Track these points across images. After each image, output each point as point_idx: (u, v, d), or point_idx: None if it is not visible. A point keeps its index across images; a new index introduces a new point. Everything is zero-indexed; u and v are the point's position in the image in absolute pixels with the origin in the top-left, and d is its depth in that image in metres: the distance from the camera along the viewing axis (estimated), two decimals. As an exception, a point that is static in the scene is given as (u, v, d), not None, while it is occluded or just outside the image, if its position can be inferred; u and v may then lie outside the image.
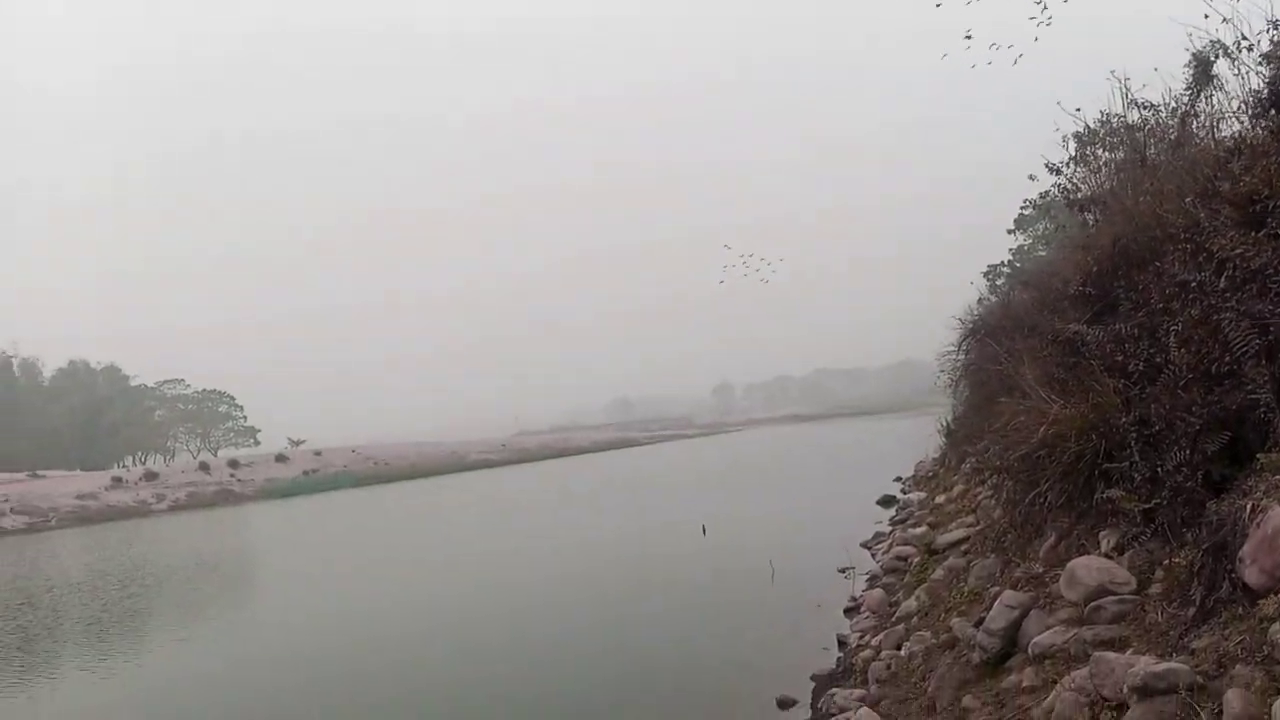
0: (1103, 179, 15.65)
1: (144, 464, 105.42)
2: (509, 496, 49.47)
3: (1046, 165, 17.99)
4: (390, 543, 33.16)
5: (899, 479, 30.42)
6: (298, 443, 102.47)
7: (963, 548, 12.07)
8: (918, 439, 31.95)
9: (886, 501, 26.05)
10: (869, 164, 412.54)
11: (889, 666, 9.54)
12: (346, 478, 78.04)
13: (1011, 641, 7.32)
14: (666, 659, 12.98)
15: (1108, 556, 7.20)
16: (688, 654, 13.10)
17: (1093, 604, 6.67)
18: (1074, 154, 17.61)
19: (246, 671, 15.20)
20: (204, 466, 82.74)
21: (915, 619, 10.72)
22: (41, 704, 14.24)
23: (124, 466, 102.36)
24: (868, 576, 16.03)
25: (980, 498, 13.68)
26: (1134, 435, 7.30)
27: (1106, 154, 16.30)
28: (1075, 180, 17.17)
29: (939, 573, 11.61)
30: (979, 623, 7.90)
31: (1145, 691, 5.00)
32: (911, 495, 24.13)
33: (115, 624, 20.71)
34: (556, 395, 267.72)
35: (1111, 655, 5.64)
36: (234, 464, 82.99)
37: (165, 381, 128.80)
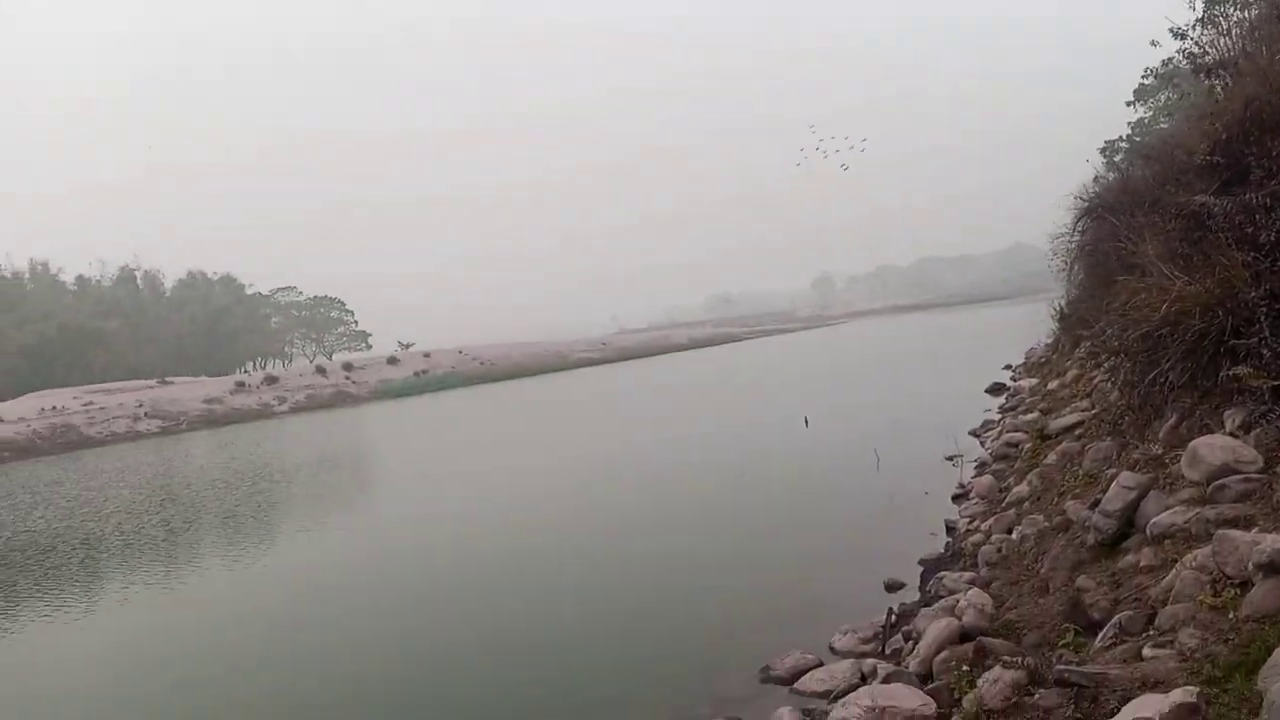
0: (1234, 41, 14.55)
1: (264, 369, 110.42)
2: (612, 395, 50.27)
3: (1170, 30, 16.85)
4: (498, 441, 34.13)
5: (1008, 367, 29.75)
6: (407, 345, 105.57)
7: (1077, 432, 11.82)
8: (1029, 326, 31.11)
9: (996, 389, 25.59)
10: (976, 41, 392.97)
11: (999, 550, 9.51)
12: (455, 378, 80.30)
13: (1128, 522, 7.19)
14: (772, 545, 13.19)
15: (1233, 435, 6.95)
16: (793, 541, 13.28)
17: (1216, 483, 6.48)
18: (1201, 15, 16.43)
19: (364, 558, 16.08)
20: (320, 370, 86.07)
21: (1026, 503, 10.61)
22: (187, 588, 15.36)
23: (245, 372, 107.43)
24: (976, 464, 15.89)
25: (1096, 381, 13.30)
26: (1264, 310, 6.95)
27: (1238, 13, 15.15)
28: (1202, 44, 16.02)
29: (1051, 457, 11.42)
30: (1094, 505, 7.77)
31: (1272, 568, 4.88)
32: (1022, 382, 23.62)
33: (248, 517, 22.04)
34: (656, 293, 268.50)
35: (1236, 533, 5.50)
36: (348, 367, 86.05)
37: (279, 289, 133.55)
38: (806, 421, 24.27)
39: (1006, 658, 5.89)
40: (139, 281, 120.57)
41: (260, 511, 22.78)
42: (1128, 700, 4.67)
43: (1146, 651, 5.25)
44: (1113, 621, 5.93)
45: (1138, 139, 35.35)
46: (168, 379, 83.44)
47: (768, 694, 8.17)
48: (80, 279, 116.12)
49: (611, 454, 25.48)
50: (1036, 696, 5.26)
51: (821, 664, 8.40)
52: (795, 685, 8.15)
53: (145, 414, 61.70)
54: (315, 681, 10.12)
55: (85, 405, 64.50)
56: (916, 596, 9.81)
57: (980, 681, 5.74)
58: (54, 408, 63.57)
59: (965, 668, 6.30)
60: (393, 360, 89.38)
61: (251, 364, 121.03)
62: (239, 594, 14.68)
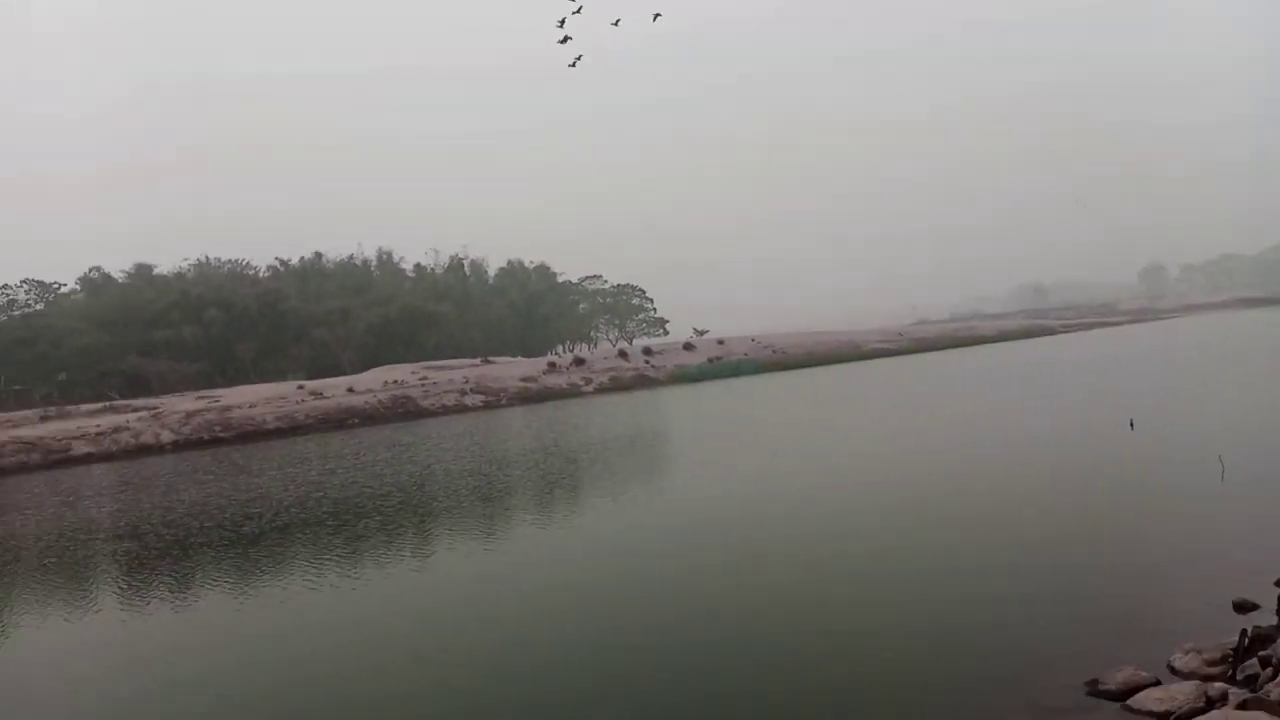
0: None
1: (571, 351, 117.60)
2: (908, 387, 48.88)
3: None
4: (812, 426, 34.22)
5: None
6: (702, 332, 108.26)
7: None
8: None
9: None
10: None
11: (1380, 577, 8.43)
12: (748, 365, 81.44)
13: None
14: (1095, 553, 12.37)
15: None
16: (1121, 550, 12.40)
17: None
18: None
19: (671, 530, 16.79)
20: (622, 354, 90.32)
21: None
22: (497, 550, 16.80)
23: (555, 353, 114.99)
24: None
25: None
26: None
27: None
28: None
29: None
30: None
31: None
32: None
33: (559, 486, 23.65)
34: (958, 282, 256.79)
35: None
36: (648, 351, 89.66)
37: (586, 278, 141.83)
38: (1132, 424, 22.54)
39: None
40: (467, 269, 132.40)
41: (569, 481, 24.34)
42: None
43: None
44: None
45: None
46: (489, 358, 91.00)
47: (1095, 708, 7.79)
48: (418, 266, 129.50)
49: (915, 446, 24.88)
50: None
51: (1159, 683, 7.88)
52: (1128, 702, 7.71)
53: (470, 389, 67.58)
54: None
55: (421, 379, 71.81)
56: (1275, 620, 8.90)
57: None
58: (395, 381, 71.28)
59: (1342, 702, 5.72)
60: (688, 346, 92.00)
61: (561, 346, 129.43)
62: (535, 554, 15.86)
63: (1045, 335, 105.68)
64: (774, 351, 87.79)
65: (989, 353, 78.92)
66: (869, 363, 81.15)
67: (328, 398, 63.43)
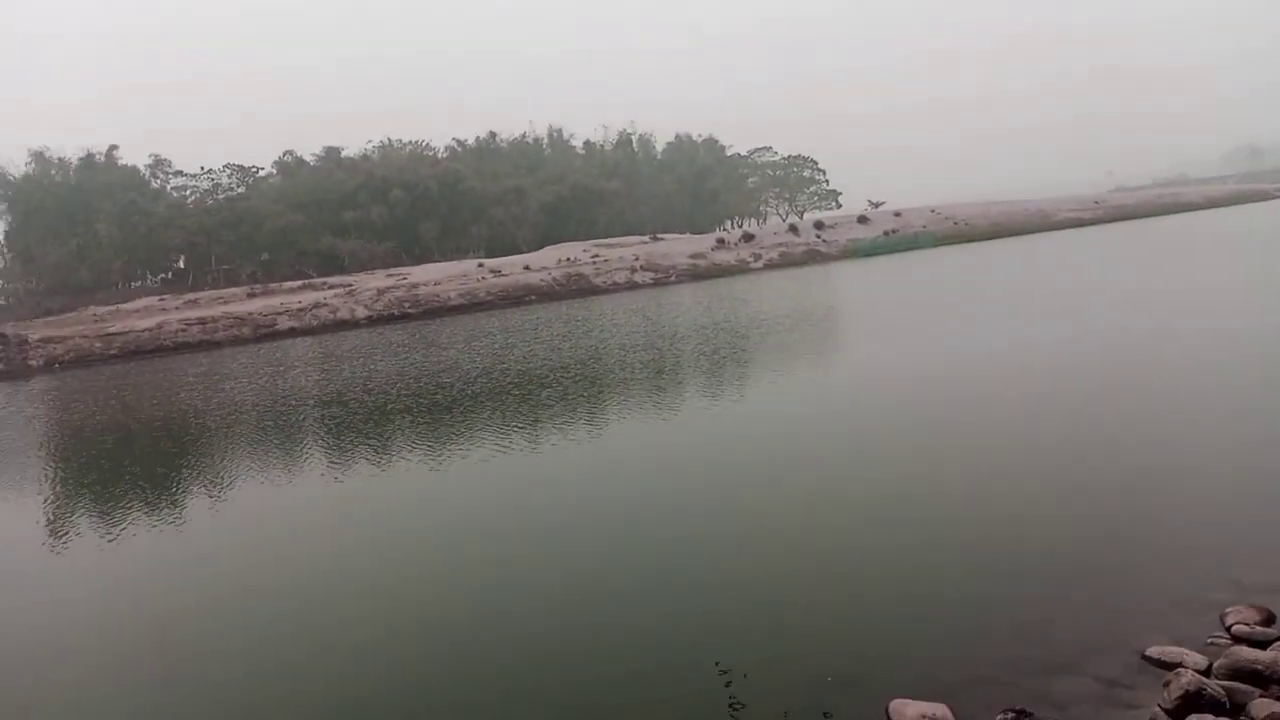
0: None
1: (740, 227, 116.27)
2: (1111, 258, 46.02)
3: None
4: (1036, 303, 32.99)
5: None
6: (877, 204, 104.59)
7: None
8: None
9: None
10: None
11: None
12: (926, 238, 78.44)
13: None
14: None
15: None
16: None
17: None
18: None
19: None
20: (793, 228, 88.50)
21: None
22: (676, 419, 17.17)
23: (724, 229, 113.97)
24: None
25: None
26: None
27: None
28: None
29: None
30: None
31: None
32: None
33: (729, 361, 23.80)
34: (1165, 148, 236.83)
35: None
36: (819, 225, 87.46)
37: (755, 150, 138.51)
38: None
39: None
40: (635, 144, 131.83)
41: (741, 356, 24.47)
42: None
43: None
44: None
45: None
46: (658, 235, 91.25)
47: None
48: (587, 143, 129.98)
49: (1113, 330, 23.62)
50: None
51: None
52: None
53: (640, 266, 68.29)
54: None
55: (593, 257, 72.98)
56: None
57: None
58: (568, 259, 72.73)
59: None
60: (863, 219, 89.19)
61: (729, 222, 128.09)
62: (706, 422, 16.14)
63: (1261, 201, 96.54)
64: (955, 223, 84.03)
65: (1195, 220, 72.95)
66: (1061, 233, 76.66)
67: (506, 275, 65.59)
